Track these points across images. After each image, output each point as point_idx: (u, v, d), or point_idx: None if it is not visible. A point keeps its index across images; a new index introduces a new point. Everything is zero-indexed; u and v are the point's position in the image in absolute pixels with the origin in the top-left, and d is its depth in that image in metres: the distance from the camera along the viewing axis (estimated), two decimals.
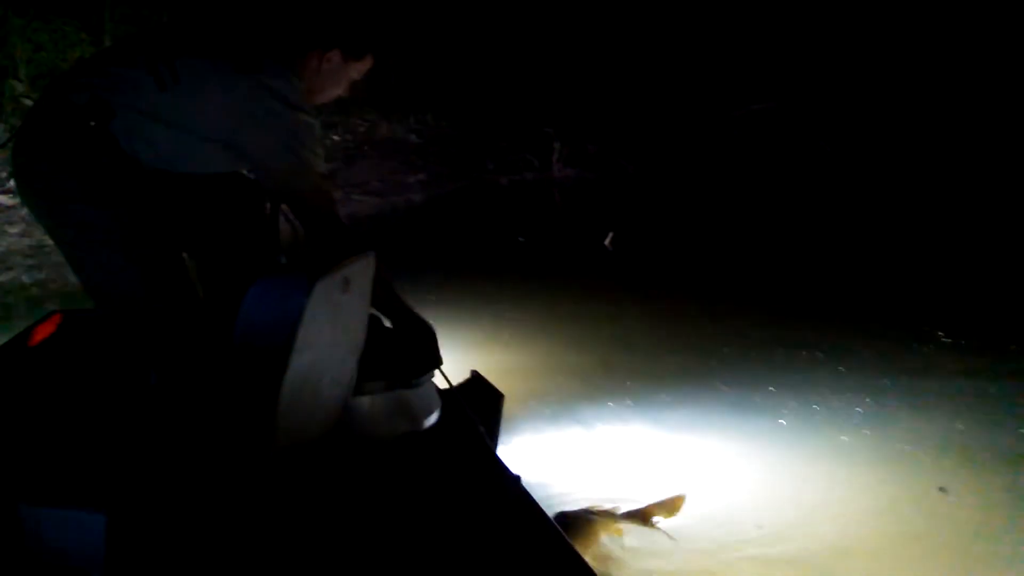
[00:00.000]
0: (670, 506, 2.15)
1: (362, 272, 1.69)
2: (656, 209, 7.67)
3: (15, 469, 1.56)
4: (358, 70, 1.79)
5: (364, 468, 1.71)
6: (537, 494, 1.73)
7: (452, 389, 1.94)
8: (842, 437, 2.69)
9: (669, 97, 11.04)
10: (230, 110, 1.62)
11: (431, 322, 1.89)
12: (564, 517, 2.02)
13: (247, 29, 1.70)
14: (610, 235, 5.48)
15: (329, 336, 1.60)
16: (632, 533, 2.06)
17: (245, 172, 1.86)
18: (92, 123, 1.58)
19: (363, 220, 6.78)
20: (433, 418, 1.86)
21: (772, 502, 2.27)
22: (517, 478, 1.74)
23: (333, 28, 1.74)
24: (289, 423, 1.51)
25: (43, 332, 1.99)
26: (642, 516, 2.13)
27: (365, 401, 1.78)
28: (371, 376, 1.79)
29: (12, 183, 6.01)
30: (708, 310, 4.20)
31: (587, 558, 1.58)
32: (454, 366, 2.01)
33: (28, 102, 6.30)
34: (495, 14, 10.33)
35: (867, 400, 2.96)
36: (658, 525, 2.13)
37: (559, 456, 2.55)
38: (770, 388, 3.07)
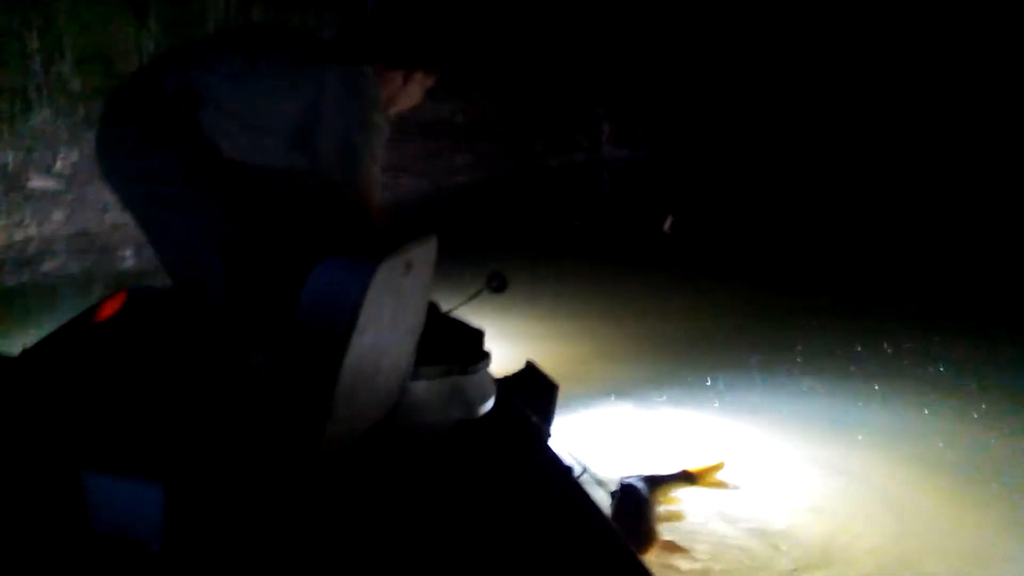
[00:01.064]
0: (711, 471, 2.33)
1: (424, 256, 1.76)
2: (711, 190, 7.65)
3: (80, 438, 1.67)
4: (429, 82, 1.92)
5: (417, 454, 1.79)
6: (591, 481, 1.80)
7: (506, 378, 2.02)
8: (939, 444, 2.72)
9: (718, 75, 10.96)
10: (308, 98, 1.73)
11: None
12: (627, 487, 2.13)
13: (340, 33, 1.83)
14: (669, 219, 5.48)
15: (389, 318, 1.67)
16: (687, 501, 2.18)
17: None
18: (181, 109, 1.70)
19: (409, 203, 6.91)
20: (488, 406, 1.94)
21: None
22: (569, 469, 1.81)
23: (416, 51, 1.88)
24: (347, 404, 1.57)
25: (110, 308, 2.13)
26: (687, 478, 2.30)
27: (421, 386, 1.86)
28: (428, 361, 1.88)
29: (58, 166, 6.24)
30: (778, 300, 4.24)
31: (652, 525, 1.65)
32: (509, 354, 2.10)
33: (74, 84, 6.53)
34: None
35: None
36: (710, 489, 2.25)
37: (615, 441, 2.66)
38: (874, 387, 3.10)
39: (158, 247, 1.84)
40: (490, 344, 1.99)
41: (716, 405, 3.03)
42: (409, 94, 1.91)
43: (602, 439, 2.66)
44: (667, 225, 4.89)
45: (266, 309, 1.77)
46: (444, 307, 2.08)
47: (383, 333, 1.65)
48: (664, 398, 3.07)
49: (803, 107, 10.88)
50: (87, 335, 2.07)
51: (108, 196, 6.08)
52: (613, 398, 2.96)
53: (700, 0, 11.24)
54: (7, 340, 3.46)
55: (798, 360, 3.48)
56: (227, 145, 1.76)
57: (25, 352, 2.04)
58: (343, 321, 1.51)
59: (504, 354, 2.01)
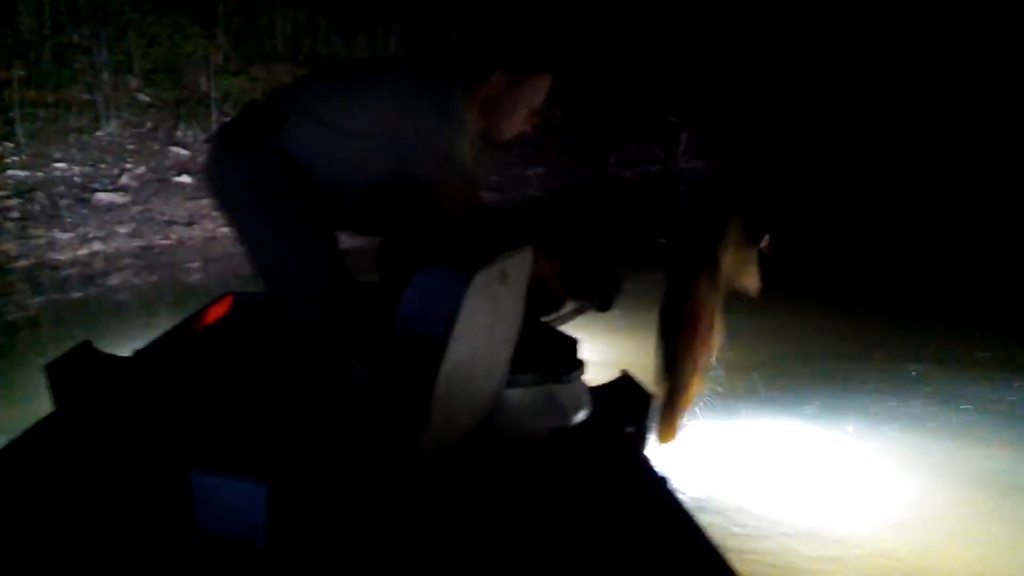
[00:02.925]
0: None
1: (519, 265, 1.88)
2: (799, 203, 7.64)
3: (188, 438, 1.83)
4: (533, 90, 1.96)
5: (510, 463, 1.90)
6: (686, 496, 1.88)
7: (601, 387, 2.12)
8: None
9: (793, 84, 10.97)
10: (388, 112, 1.86)
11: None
12: None
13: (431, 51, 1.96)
14: (766, 236, 5.49)
15: (485, 327, 1.78)
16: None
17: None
18: (262, 120, 1.89)
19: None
20: (582, 415, 2.05)
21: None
22: (664, 480, 1.89)
23: (491, 45, 1.97)
24: (443, 411, 1.68)
25: (216, 312, 2.32)
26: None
27: (516, 394, 1.98)
28: (523, 369, 2.00)
29: (124, 179, 6.58)
30: (896, 324, 4.28)
31: None
32: (604, 365, 2.20)
33: (142, 96, 6.92)
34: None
35: None
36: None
37: (710, 457, 2.75)
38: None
39: (248, 254, 2.02)
40: (584, 353, 2.10)
41: (811, 420, 3.10)
42: (511, 105, 1.96)
43: (692, 452, 2.75)
44: (764, 243, 4.90)
45: (364, 315, 1.91)
46: (543, 319, 2.20)
47: (479, 341, 1.77)
48: (762, 411, 3.15)
49: (865, 118, 10.91)
50: (195, 338, 2.26)
51: (174, 211, 6.41)
52: (703, 411, 3.06)
53: (771, 14, 11.35)
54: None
55: (912, 374, 3.52)
56: (310, 153, 1.90)
57: (137, 353, 2.23)
58: (440, 329, 1.62)
59: (600, 363, 2.10)
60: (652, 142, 9.89)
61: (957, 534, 2.39)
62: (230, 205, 1.98)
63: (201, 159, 6.99)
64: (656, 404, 2.06)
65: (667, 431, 2.03)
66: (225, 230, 6.34)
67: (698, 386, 1.98)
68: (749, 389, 3.35)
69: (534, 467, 1.89)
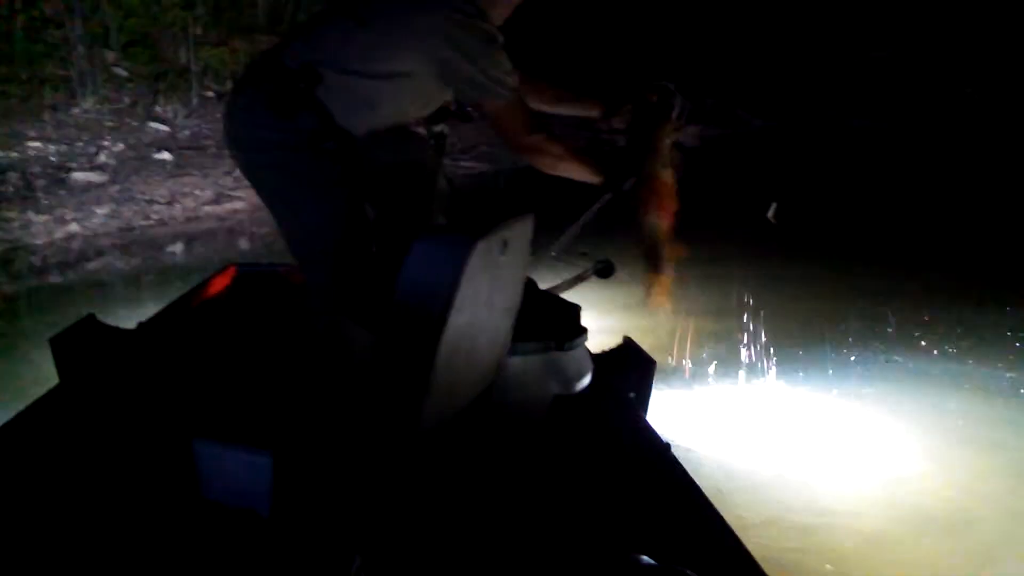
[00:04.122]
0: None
1: (520, 234, 1.94)
2: (799, 169, 7.70)
3: (192, 408, 1.89)
4: None
5: (513, 430, 1.97)
6: (688, 459, 1.96)
7: (603, 354, 2.20)
8: None
9: (785, 42, 10.98)
10: (418, 35, 1.95)
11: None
12: None
13: None
14: (773, 206, 5.50)
15: (486, 296, 1.84)
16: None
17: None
18: (301, 85, 1.94)
19: (474, 188, 7.11)
20: (585, 382, 2.12)
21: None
22: (667, 445, 1.96)
23: None
24: (445, 380, 1.74)
25: (219, 284, 2.39)
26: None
27: (518, 362, 2.05)
28: (525, 337, 2.06)
29: (102, 157, 6.59)
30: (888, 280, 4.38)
31: None
32: (606, 331, 2.28)
33: (120, 70, 6.92)
34: None
35: None
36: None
37: (713, 421, 2.87)
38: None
39: (276, 215, 2.09)
40: (586, 320, 2.17)
41: (826, 386, 3.20)
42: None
43: (697, 417, 2.85)
44: (771, 213, 4.96)
45: (368, 283, 1.98)
46: (545, 287, 2.27)
47: (480, 311, 1.83)
48: (770, 376, 3.25)
49: (874, 75, 10.92)
50: (198, 309, 2.33)
51: (154, 189, 6.43)
52: (711, 376, 3.18)
53: None
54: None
55: (922, 344, 3.62)
56: (346, 107, 1.99)
57: (140, 326, 2.30)
58: (441, 299, 1.68)
59: (600, 328, 2.18)
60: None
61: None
62: (263, 167, 2.06)
63: (182, 134, 7.02)
64: (645, 277, 2.31)
65: (658, 297, 2.33)
66: (208, 208, 6.39)
67: (670, 251, 2.33)
68: (752, 356, 3.44)
69: (537, 434, 1.97)
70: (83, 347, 2.20)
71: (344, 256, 2.01)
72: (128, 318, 2.49)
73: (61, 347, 2.18)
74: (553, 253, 2.43)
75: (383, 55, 1.98)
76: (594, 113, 2.45)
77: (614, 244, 2.41)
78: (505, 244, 1.86)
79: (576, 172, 2.16)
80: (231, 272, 2.47)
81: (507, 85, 2.00)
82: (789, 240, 5.31)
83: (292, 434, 1.75)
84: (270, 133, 1.99)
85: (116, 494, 1.72)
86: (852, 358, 3.44)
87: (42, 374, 2.47)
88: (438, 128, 2.34)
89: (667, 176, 2.31)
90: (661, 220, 2.30)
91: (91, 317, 2.33)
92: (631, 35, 10.61)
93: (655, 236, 2.29)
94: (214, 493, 1.67)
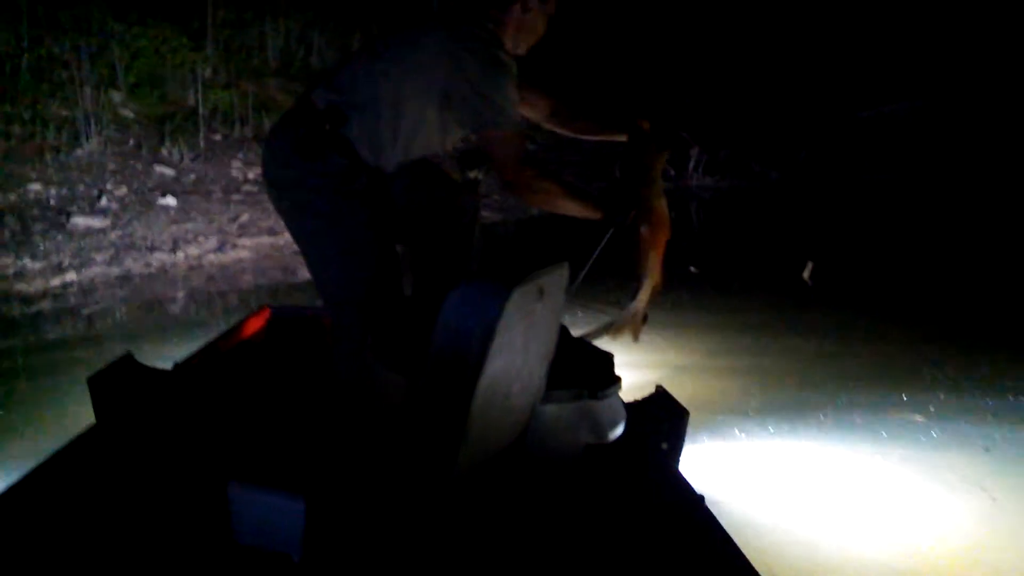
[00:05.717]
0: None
1: (556, 282, 2.05)
2: (829, 225, 7.81)
3: (226, 451, 2.00)
4: (550, 8, 2.21)
5: (547, 477, 2.07)
6: (722, 513, 2.04)
7: (636, 403, 2.29)
8: None
9: (804, 96, 11.21)
10: (426, 55, 2.08)
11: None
12: None
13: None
14: (809, 266, 5.58)
15: (521, 344, 1.94)
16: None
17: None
18: (327, 127, 2.08)
19: (487, 236, 7.21)
20: (618, 431, 2.22)
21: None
22: (701, 498, 2.05)
23: None
24: (479, 428, 1.84)
25: (253, 326, 2.52)
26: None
27: (552, 410, 2.15)
28: (559, 385, 2.17)
29: (103, 201, 6.73)
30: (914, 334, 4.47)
31: None
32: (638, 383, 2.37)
33: (126, 112, 7.10)
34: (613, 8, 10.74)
35: None
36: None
37: (745, 475, 2.94)
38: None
39: (305, 257, 2.21)
40: (619, 369, 2.28)
41: (850, 441, 3.28)
42: (534, 25, 2.20)
43: (729, 469, 2.94)
44: (807, 273, 5.07)
45: (401, 328, 2.10)
46: (577, 334, 2.38)
47: (515, 358, 1.93)
48: (794, 430, 3.35)
49: (900, 127, 11.15)
50: (233, 351, 2.45)
51: (156, 235, 6.56)
52: (739, 429, 3.26)
53: (782, 17, 11.65)
54: (57, 389, 3.81)
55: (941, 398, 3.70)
56: (372, 144, 2.12)
57: (176, 367, 2.41)
58: (477, 346, 1.78)
59: (634, 380, 2.28)
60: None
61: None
62: (293, 208, 2.19)
63: (187, 178, 7.18)
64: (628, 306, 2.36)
65: (635, 329, 2.37)
66: (212, 257, 6.50)
67: (657, 282, 2.38)
68: (786, 408, 3.54)
69: (570, 484, 2.05)
70: (120, 387, 2.32)
71: (372, 299, 2.11)
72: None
73: (99, 386, 2.29)
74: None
75: (395, 81, 2.09)
76: (618, 137, 2.52)
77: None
78: (541, 292, 1.96)
79: (573, 208, 2.20)
80: (265, 314, 2.60)
81: (506, 114, 2.07)
82: (822, 294, 5.43)
83: (325, 479, 1.85)
84: (297, 175, 2.12)
85: (150, 536, 1.80)
86: (904, 420, 3.52)
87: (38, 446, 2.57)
88: (472, 174, 2.47)
89: (662, 205, 2.37)
90: (659, 250, 2.36)
91: (128, 356, 2.45)
92: (650, 87, 10.85)
93: (654, 267, 2.36)
94: (247, 537, 1.76)
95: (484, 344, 1.79)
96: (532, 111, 2.40)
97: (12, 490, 1.95)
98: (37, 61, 6.72)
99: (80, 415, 3.16)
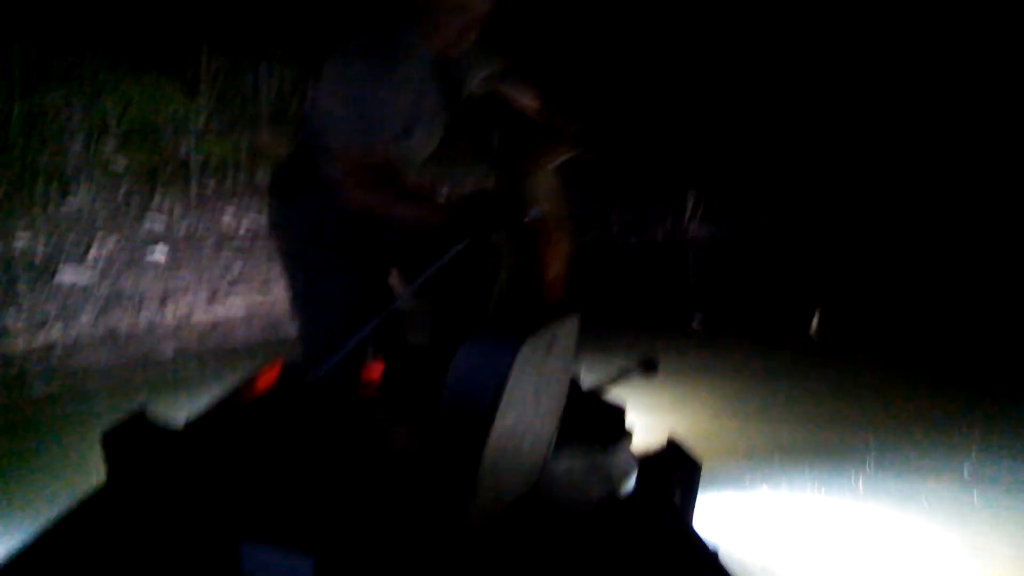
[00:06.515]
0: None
1: (566, 334, 2.11)
2: (815, 271, 7.89)
3: (238, 509, 2.04)
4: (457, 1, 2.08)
5: (558, 533, 2.11)
6: (736, 567, 2.08)
7: (648, 455, 2.34)
8: None
9: (802, 138, 11.39)
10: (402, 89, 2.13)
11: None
12: None
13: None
14: (815, 319, 5.62)
15: (532, 396, 2.00)
16: None
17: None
18: (299, 163, 2.21)
19: None
20: (630, 484, 2.26)
21: None
22: (715, 552, 2.09)
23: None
24: (490, 482, 1.88)
25: (266, 380, 2.57)
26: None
27: (563, 463, 2.20)
28: (570, 438, 2.21)
29: (91, 255, 6.77)
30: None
31: None
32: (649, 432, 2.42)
33: (117, 162, 7.16)
34: (608, 48, 10.93)
35: None
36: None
37: (757, 526, 2.98)
38: None
39: (291, 302, 2.29)
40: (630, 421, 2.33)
41: (865, 491, 3.31)
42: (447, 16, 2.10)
43: (742, 522, 2.98)
44: (814, 326, 5.13)
45: (415, 380, 2.15)
46: (589, 384, 2.43)
47: (526, 411, 1.98)
48: (810, 482, 3.38)
49: (904, 173, 11.33)
50: (244, 408, 2.50)
51: (145, 290, 6.59)
52: (750, 479, 3.30)
53: (782, 66, 11.89)
54: (44, 453, 3.84)
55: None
56: (343, 190, 2.15)
57: (188, 424, 2.46)
58: (487, 401, 1.83)
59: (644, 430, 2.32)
60: (657, 206, 10.14)
61: None
62: (276, 252, 2.29)
63: (177, 230, 7.24)
64: None
65: None
66: (202, 315, 6.53)
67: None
68: (798, 460, 3.59)
69: (582, 538, 2.09)
70: (133, 444, 2.37)
71: (345, 343, 2.11)
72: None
73: (112, 443, 2.34)
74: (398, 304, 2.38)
75: (371, 105, 2.10)
76: None
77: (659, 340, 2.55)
78: (551, 345, 2.02)
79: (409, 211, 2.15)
80: (277, 367, 2.65)
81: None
82: (829, 345, 5.48)
83: (335, 535, 1.89)
84: (274, 217, 2.25)
85: None
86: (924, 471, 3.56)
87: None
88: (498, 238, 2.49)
89: (554, 213, 2.21)
90: (549, 266, 2.22)
91: (141, 414, 2.50)
92: (642, 127, 11.02)
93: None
94: None
95: (494, 399, 1.84)
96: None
97: (30, 549, 1.98)
98: (28, 111, 6.80)
99: (70, 471, 3.21)
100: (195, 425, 2.50)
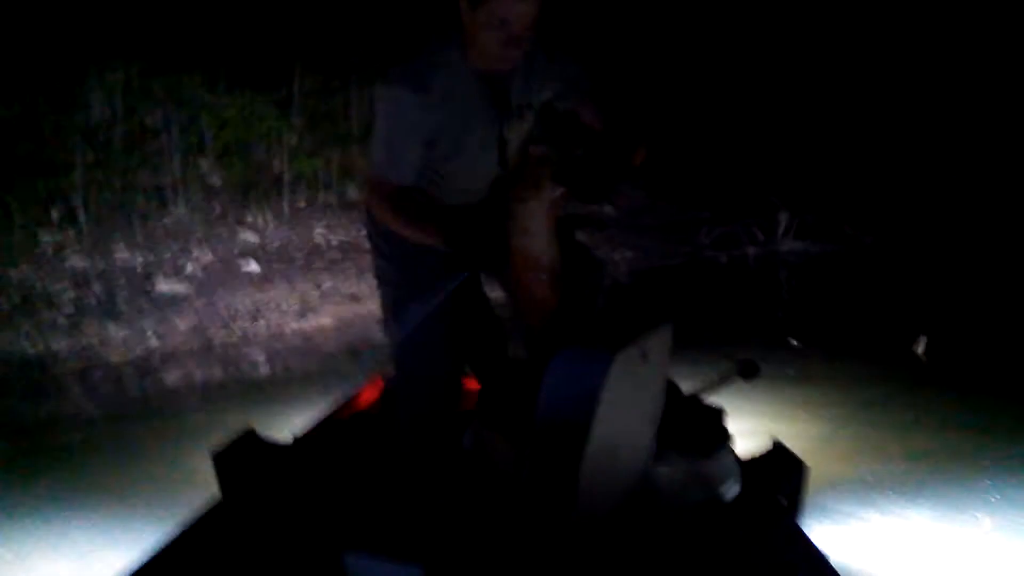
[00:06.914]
0: None
1: (660, 343, 2.15)
2: (937, 293, 7.70)
3: (343, 520, 2.13)
4: (490, 15, 2.07)
5: (661, 542, 2.12)
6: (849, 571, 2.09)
7: (752, 458, 2.36)
8: None
9: (888, 156, 11.19)
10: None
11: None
12: None
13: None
14: (922, 340, 5.48)
15: (627, 407, 2.03)
16: None
17: None
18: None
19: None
20: (733, 488, 2.29)
21: None
22: (824, 557, 2.10)
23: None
24: (589, 492, 1.92)
25: (368, 395, 2.68)
26: None
27: (663, 470, 2.23)
28: (669, 445, 2.25)
29: (188, 268, 7.02)
30: None
31: None
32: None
33: (212, 179, 7.46)
34: (691, 60, 10.92)
35: None
36: None
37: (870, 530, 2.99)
38: None
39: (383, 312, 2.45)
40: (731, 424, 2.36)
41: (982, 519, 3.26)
42: (481, 34, 2.12)
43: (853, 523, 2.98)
44: (920, 348, 5.04)
45: (513, 392, 2.21)
46: (688, 389, 2.47)
47: (622, 422, 2.01)
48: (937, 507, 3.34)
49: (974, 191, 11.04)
50: (350, 421, 2.61)
51: (239, 302, 6.81)
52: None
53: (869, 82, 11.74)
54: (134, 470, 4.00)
55: None
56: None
57: (296, 440, 2.59)
58: (582, 414, 1.87)
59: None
60: (747, 222, 10.05)
61: None
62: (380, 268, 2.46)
63: (271, 245, 7.48)
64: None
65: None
66: (294, 325, 6.71)
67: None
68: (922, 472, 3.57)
69: (686, 545, 2.11)
70: (244, 462, 2.49)
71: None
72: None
73: (223, 462, 2.47)
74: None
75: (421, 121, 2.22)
76: None
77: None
78: (645, 355, 2.05)
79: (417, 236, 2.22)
80: (379, 383, 2.77)
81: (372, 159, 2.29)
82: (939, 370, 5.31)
83: (441, 546, 1.96)
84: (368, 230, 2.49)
85: None
86: None
87: None
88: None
89: (535, 252, 2.12)
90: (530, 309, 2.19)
91: (251, 432, 2.63)
92: (726, 143, 10.98)
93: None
94: None
95: (589, 411, 1.88)
96: None
97: (149, 566, 2.10)
98: (129, 130, 7.13)
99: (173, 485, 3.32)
100: (302, 441, 2.62)
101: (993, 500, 3.39)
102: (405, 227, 2.22)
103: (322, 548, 2.01)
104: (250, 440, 2.61)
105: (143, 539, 2.83)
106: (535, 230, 2.08)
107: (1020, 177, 11.02)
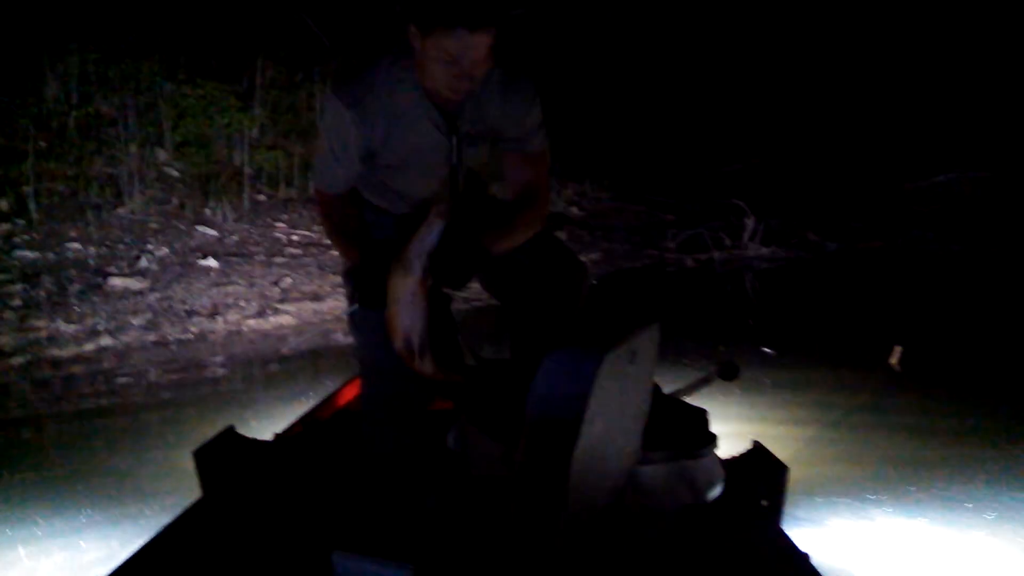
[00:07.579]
0: None
1: (648, 342, 2.17)
2: (905, 300, 7.81)
3: (329, 520, 2.12)
4: (439, 49, 2.02)
5: (644, 541, 2.14)
6: (829, 571, 2.12)
7: (733, 460, 2.41)
8: None
9: (851, 164, 11.41)
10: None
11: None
12: None
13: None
14: (897, 351, 5.51)
15: (616, 406, 2.05)
16: None
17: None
18: None
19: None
20: (716, 490, 2.33)
21: None
22: (805, 556, 2.14)
23: None
24: (578, 492, 1.92)
25: (348, 393, 2.68)
26: None
27: (648, 470, 2.26)
28: (653, 445, 2.29)
29: (143, 262, 6.95)
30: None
31: None
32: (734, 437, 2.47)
33: (170, 170, 7.40)
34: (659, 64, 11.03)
35: None
36: None
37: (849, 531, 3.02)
38: None
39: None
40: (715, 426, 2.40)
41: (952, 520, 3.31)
42: (430, 63, 2.07)
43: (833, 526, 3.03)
44: (895, 359, 5.10)
45: (500, 393, 2.23)
46: (670, 390, 2.50)
47: (611, 420, 2.02)
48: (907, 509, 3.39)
49: (939, 199, 11.32)
50: (332, 419, 2.61)
51: (196, 298, 6.74)
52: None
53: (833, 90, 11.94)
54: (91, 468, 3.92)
55: None
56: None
57: (277, 437, 2.58)
58: (572, 414, 1.88)
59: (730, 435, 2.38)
60: (715, 225, 10.16)
61: None
62: None
63: (229, 240, 7.41)
64: None
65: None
66: (252, 322, 6.66)
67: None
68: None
69: (668, 545, 2.13)
70: (224, 460, 2.48)
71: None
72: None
73: (203, 459, 2.46)
74: None
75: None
76: None
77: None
78: (633, 354, 2.07)
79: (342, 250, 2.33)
80: (359, 381, 2.77)
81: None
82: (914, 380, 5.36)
83: (430, 547, 1.96)
84: None
85: None
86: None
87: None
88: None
89: (402, 325, 2.10)
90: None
91: (231, 429, 2.62)
92: (694, 146, 11.11)
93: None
94: None
95: (578, 411, 1.90)
96: None
97: (131, 562, 2.09)
98: (85, 118, 7.03)
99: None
100: (284, 439, 2.62)
101: (969, 506, 3.44)
102: (329, 236, 2.37)
103: (309, 547, 2.00)
104: (230, 438, 2.61)
105: (95, 537, 2.99)
106: (404, 303, 2.09)
107: (994, 181, 11.29)
